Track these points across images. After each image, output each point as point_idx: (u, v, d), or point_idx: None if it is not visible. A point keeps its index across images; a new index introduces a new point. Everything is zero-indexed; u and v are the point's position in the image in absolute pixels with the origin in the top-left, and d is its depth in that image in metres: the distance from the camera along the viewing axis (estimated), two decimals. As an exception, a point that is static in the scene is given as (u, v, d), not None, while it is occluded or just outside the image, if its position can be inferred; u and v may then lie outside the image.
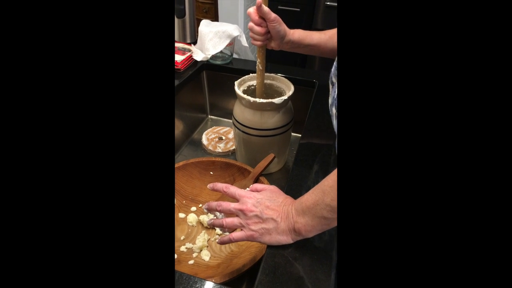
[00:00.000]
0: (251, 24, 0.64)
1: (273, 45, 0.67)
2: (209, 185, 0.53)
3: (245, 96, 0.68)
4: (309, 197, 0.43)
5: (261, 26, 0.64)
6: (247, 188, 0.52)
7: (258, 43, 0.66)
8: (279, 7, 1.84)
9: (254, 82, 0.76)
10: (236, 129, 0.75)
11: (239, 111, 0.73)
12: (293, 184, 0.56)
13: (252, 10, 0.63)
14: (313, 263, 0.43)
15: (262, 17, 0.63)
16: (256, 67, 0.69)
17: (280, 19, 0.65)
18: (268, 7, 0.62)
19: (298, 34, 0.69)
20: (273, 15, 0.63)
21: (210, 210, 0.51)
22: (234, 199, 0.49)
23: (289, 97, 0.70)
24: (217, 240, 0.49)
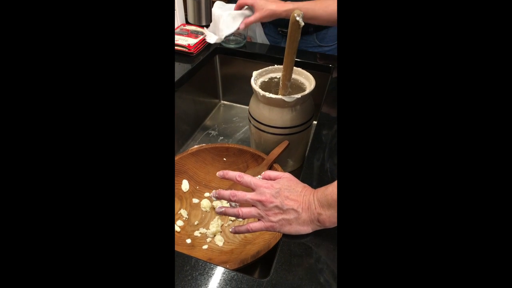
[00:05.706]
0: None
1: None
2: (219, 173, 0.50)
3: (261, 91, 0.64)
4: (335, 189, 0.41)
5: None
6: (259, 176, 0.50)
7: None
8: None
9: (276, 75, 0.72)
10: (253, 126, 0.72)
11: (254, 106, 0.69)
12: (308, 172, 0.55)
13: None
14: (330, 252, 0.43)
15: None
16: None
17: None
18: None
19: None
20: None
21: (221, 199, 0.49)
22: (249, 188, 0.48)
23: (310, 93, 0.65)
24: (230, 229, 0.48)
